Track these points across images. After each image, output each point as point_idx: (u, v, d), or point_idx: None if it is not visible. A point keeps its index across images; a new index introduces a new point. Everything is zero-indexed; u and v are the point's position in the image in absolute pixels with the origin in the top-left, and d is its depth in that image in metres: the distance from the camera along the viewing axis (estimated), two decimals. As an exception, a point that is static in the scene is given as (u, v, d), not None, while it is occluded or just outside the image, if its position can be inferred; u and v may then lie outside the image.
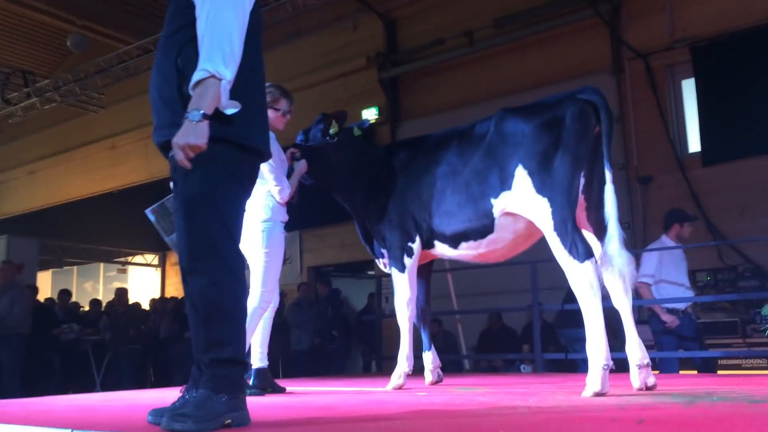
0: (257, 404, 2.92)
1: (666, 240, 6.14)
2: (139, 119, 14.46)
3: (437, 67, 11.03)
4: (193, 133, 2.22)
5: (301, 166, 4.27)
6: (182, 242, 2.38)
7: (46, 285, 16.80)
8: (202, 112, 2.23)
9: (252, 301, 4.01)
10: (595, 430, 1.89)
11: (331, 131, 4.11)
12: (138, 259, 15.33)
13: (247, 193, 2.51)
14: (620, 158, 8.95)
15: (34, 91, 13.45)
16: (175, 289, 14.44)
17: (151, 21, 11.94)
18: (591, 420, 2.17)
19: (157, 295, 14.38)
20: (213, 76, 2.25)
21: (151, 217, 2.76)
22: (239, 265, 2.43)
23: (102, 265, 16.04)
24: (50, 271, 16.52)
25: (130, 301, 11.21)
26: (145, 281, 15.28)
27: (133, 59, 12.01)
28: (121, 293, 10.78)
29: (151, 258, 15.27)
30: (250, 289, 4.05)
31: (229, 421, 2.24)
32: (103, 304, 11.76)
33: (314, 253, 12.25)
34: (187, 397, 2.31)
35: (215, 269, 2.33)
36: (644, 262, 6.06)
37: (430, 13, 11.26)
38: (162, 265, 15.21)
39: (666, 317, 5.82)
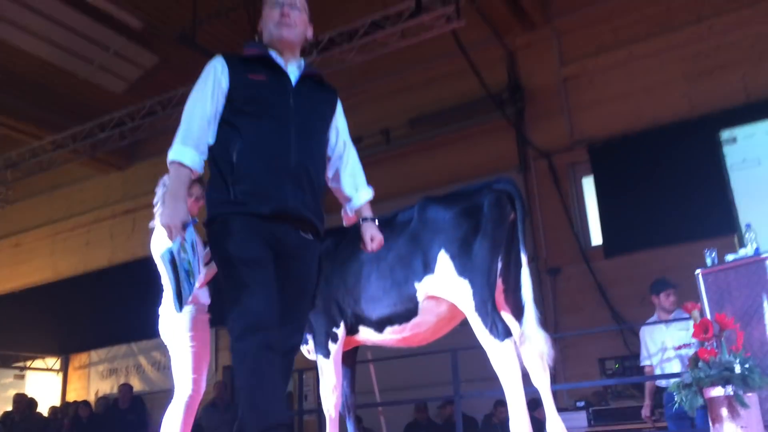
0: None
1: (657, 315, 6.02)
2: (47, 215, 13.97)
3: (355, 163, 11.38)
4: (166, 215, 2.42)
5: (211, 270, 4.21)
6: None
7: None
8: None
9: (185, 390, 3.87)
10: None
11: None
12: (38, 363, 14.31)
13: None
14: (530, 251, 9.35)
15: (-65, 184, 12.83)
16: (77, 394, 13.50)
17: (64, 115, 11.77)
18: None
19: (57, 401, 13.40)
20: (172, 162, 2.45)
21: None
22: None
23: (-4, 370, 14.84)
24: (-64, 378, 15.13)
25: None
26: (44, 387, 14.20)
27: (47, 153, 11.69)
28: (20, 399, 10.04)
29: (52, 362, 14.29)
30: (180, 378, 3.92)
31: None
32: (-2, 413, 10.85)
33: (229, 352, 11.89)
34: None
35: None
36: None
37: (349, 112, 11.61)
38: (64, 369, 14.25)
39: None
